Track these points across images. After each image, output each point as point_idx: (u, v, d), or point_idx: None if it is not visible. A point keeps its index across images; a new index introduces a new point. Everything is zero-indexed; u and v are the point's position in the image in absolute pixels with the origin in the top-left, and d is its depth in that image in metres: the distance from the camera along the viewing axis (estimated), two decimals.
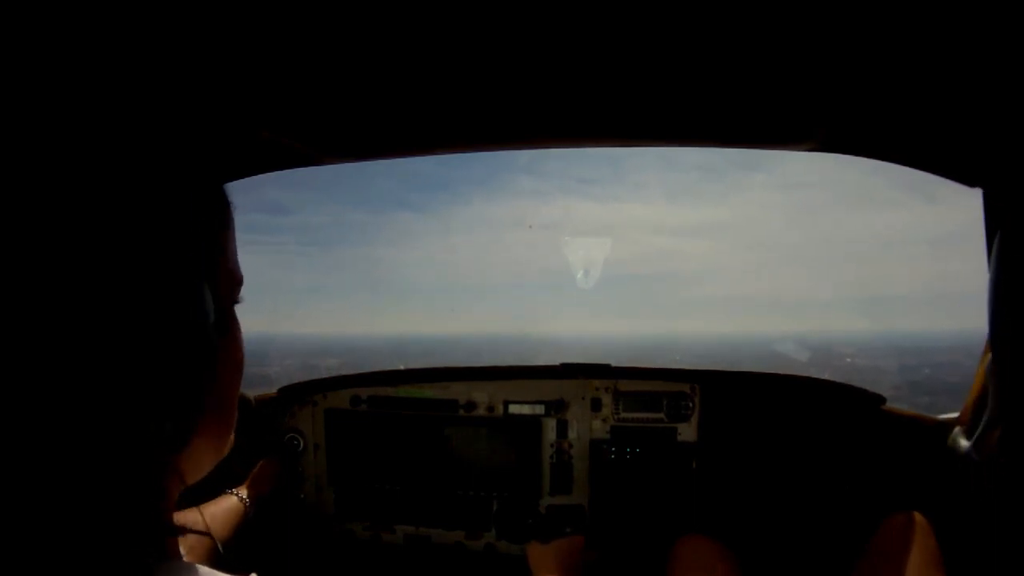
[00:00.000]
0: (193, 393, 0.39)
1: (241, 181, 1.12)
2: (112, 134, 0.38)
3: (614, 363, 1.60)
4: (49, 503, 0.35)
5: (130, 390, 0.36)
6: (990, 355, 1.04)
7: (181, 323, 0.38)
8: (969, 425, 1.15)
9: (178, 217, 0.40)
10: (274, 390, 1.66)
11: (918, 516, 1.03)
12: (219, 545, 0.77)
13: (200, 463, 0.47)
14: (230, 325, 0.47)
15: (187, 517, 1.10)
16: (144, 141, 0.40)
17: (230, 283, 0.47)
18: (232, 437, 0.50)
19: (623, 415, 1.59)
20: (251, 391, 1.67)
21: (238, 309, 0.49)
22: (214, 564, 0.44)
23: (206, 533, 0.61)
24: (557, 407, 1.60)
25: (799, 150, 1.06)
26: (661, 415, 1.58)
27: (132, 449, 0.37)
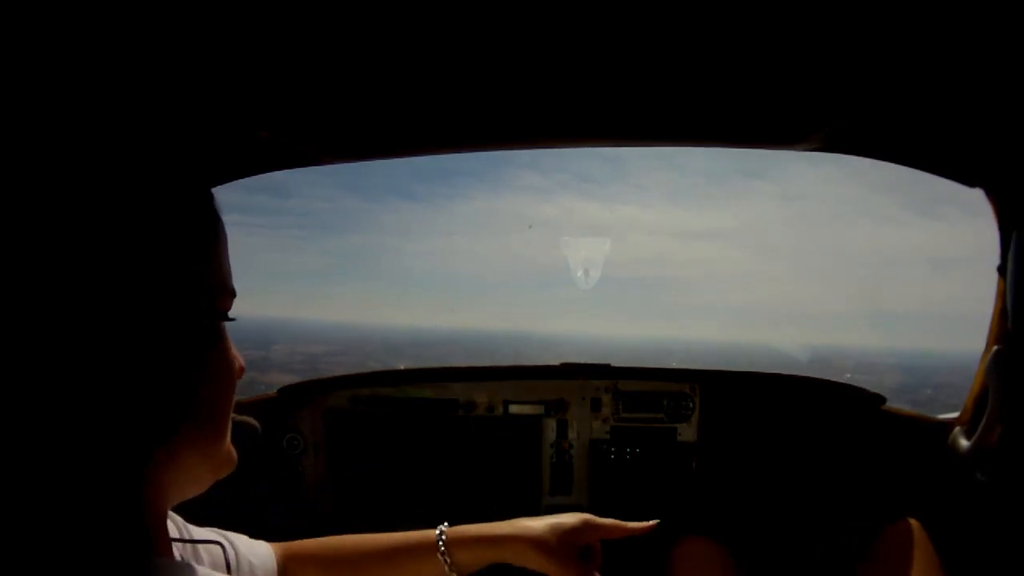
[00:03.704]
0: (169, 390, 0.41)
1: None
2: (101, 137, 0.38)
3: (614, 363, 1.60)
4: (26, 493, 0.35)
5: (104, 383, 0.37)
6: (991, 354, 1.04)
7: (158, 323, 0.39)
8: (969, 425, 1.15)
9: (162, 222, 0.41)
10: (273, 391, 1.66)
11: (916, 523, 1.03)
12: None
13: (194, 475, 0.47)
14: (218, 336, 0.46)
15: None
16: (133, 145, 0.41)
17: (221, 294, 0.46)
18: (233, 455, 0.50)
19: (623, 415, 1.59)
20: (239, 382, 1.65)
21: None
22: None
23: (216, 542, 0.61)
24: (557, 407, 1.60)
25: (800, 150, 1.06)
26: (661, 415, 1.58)
27: (108, 438, 0.38)
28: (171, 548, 0.47)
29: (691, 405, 1.57)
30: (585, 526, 0.74)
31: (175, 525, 0.58)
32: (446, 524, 0.75)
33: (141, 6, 0.57)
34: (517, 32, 0.67)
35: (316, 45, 0.69)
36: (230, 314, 0.47)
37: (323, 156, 1.11)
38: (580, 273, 1.74)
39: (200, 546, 0.59)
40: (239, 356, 0.49)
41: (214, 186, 0.70)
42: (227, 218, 0.48)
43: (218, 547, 0.61)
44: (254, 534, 0.72)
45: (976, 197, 1.06)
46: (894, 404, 1.47)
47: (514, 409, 1.60)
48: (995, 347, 1.04)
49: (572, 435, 1.60)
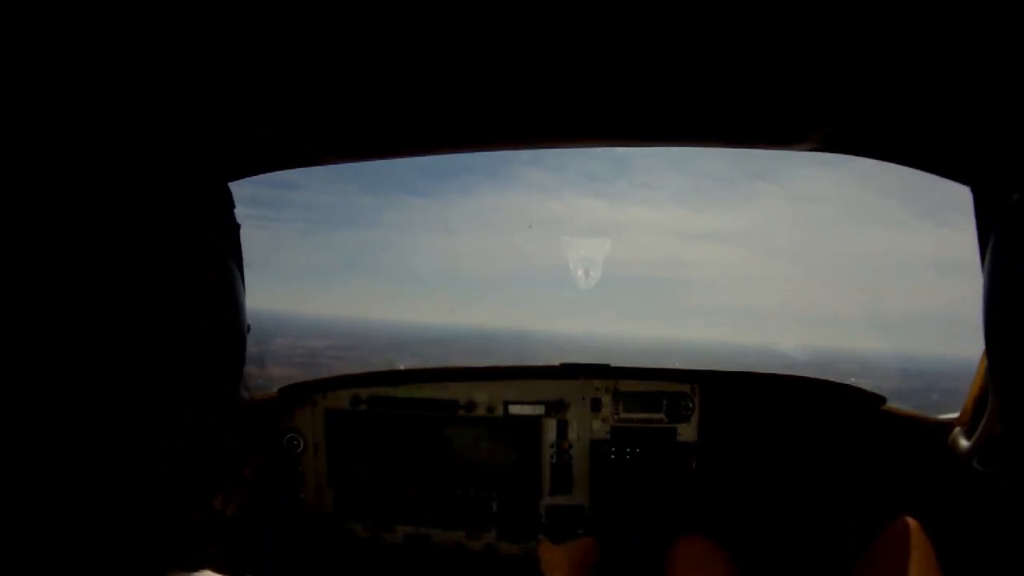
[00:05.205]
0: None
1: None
2: (143, 140, 0.41)
3: (614, 363, 1.60)
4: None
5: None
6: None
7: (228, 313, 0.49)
8: (969, 425, 1.15)
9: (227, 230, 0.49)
10: (274, 390, 1.66)
11: (914, 523, 1.03)
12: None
13: None
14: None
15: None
16: (181, 151, 0.45)
17: None
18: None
19: (623, 415, 1.59)
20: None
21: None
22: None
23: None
24: (557, 407, 1.60)
25: (799, 150, 1.06)
26: (661, 415, 1.58)
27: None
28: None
29: (691, 405, 1.57)
30: None
31: None
32: None
33: (146, 9, 0.57)
34: (518, 32, 0.67)
35: (316, 46, 0.69)
36: None
37: (323, 156, 1.11)
38: (580, 273, 1.74)
39: None
40: None
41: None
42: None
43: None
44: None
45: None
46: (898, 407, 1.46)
47: (514, 409, 1.60)
48: None
49: (572, 435, 1.60)
